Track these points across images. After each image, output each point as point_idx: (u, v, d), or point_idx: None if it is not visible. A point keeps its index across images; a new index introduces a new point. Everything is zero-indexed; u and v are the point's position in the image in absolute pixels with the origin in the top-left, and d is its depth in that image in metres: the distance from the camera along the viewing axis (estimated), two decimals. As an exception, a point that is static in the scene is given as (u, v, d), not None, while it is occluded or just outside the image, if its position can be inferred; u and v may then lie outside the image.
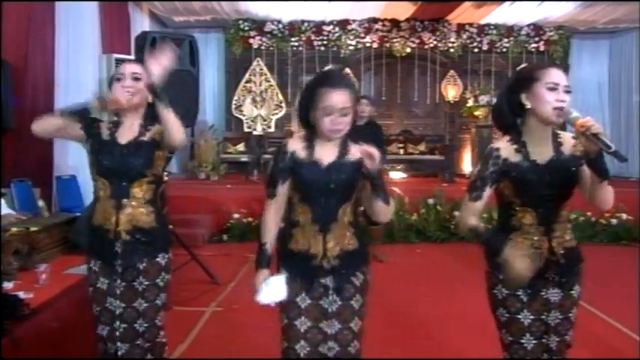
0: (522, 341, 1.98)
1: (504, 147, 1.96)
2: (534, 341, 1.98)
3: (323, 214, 1.99)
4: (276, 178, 2.02)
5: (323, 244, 2.00)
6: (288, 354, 2.02)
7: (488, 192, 1.95)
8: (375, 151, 1.87)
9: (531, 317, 1.98)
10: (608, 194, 1.88)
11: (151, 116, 2.22)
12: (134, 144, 2.20)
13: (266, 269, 2.02)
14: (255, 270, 2.04)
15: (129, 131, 2.22)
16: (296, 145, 2.03)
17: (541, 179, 1.91)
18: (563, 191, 1.95)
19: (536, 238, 1.95)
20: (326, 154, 2.01)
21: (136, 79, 2.19)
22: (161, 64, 2.08)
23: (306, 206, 2.00)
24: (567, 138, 1.97)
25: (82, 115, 2.20)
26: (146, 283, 2.19)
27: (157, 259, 2.22)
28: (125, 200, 2.17)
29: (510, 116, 1.98)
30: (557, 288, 1.99)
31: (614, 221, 6.77)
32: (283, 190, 2.03)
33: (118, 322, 2.17)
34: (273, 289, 1.97)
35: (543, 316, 1.98)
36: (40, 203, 5.05)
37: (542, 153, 1.93)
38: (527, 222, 1.95)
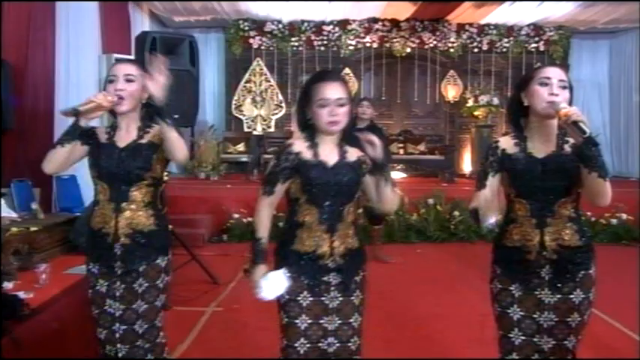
0: (510, 335, 2.02)
1: (504, 140, 2.06)
2: (523, 337, 2.00)
3: (330, 215, 2.02)
4: (276, 176, 2.02)
5: (330, 243, 2.02)
6: (287, 352, 2.02)
7: (492, 181, 2.01)
8: (375, 138, 1.92)
9: (521, 314, 2.00)
10: (600, 187, 1.84)
11: (149, 117, 2.19)
12: (132, 147, 2.16)
13: (263, 264, 2.03)
14: (251, 266, 2.04)
15: (127, 134, 2.19)
16: (301, 146, 2.04)
17: (533, 170, 1.96)
18: (558, 186, 1.95)
19: (527, 230, 1.99)
20: (329, 154, 2.04)
21: (129, 80, 2.14)
22: (159, 82, 2.01)
23: (313, 207, 2.01)
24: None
25: (76, 131, 2.13)
26: (145, 284, 2.17)
27: (157, 262, 2.20)
28: (124, 204, 2.15)
29: (515, 115, 2.08)
30: (551, 289, 1.98)
31: (614, 221, 6.75)
32: (282, 189, 2.04)
33: (117, 324, 2.16)
34: (273, 283, 1.98)
35: (535, 315, 1.99)
36: (34, 205, 4.92)
37: (542, 148, 1.98)
38: (521, 213, 2.00)
